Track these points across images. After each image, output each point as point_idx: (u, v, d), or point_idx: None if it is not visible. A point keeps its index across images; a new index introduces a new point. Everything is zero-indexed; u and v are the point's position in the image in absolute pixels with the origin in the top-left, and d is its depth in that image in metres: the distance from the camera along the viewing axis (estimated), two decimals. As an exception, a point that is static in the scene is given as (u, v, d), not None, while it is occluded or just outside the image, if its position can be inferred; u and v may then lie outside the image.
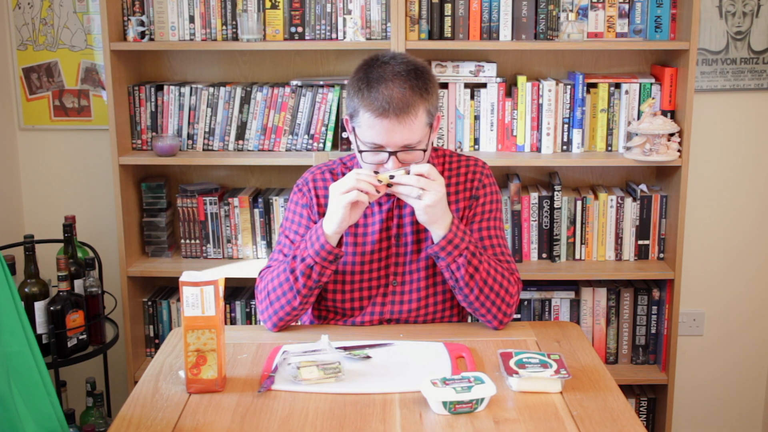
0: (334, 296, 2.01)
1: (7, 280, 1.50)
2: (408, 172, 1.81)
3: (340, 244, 1.89)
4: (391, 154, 1.83)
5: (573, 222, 2.85)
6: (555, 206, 2.82)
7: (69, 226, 2.67)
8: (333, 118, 2.80)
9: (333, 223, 1.83)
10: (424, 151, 1.88)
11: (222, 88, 2.83)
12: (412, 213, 1.98)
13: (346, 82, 2.78)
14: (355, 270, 1.99)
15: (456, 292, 1.93)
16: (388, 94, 1.79)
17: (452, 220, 1.85)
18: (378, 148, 1.84)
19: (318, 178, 2.03)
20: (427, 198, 1.79)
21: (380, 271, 2.00)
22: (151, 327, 2.96)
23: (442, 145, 2.81)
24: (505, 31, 2.75)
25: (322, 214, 1.98)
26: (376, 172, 1.82)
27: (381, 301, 2.00)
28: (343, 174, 2.02)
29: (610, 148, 2.84)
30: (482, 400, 1.57)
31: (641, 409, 2.95)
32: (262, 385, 1.66)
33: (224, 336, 1.68)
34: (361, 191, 1.79)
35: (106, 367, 2.83)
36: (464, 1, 2.74)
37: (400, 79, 1.82)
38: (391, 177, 1.81)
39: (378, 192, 1.81)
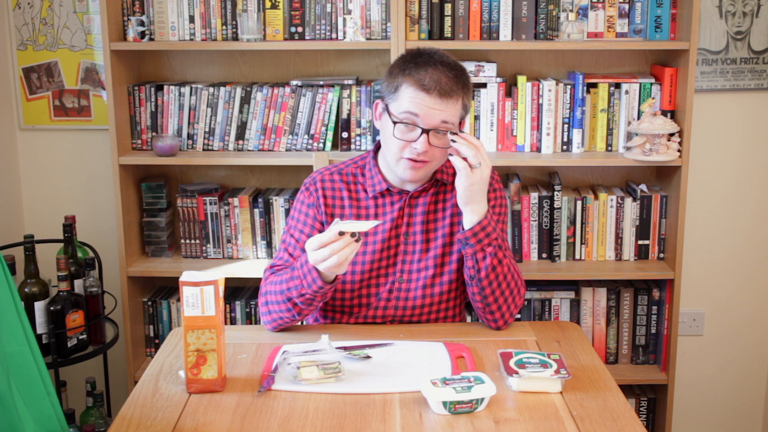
0: (342, 295, 2.02)
1: (7, 280, 1.50)
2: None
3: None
4: (423, 131, 1.85)
5: (573, 222, 2.85)
6: (555, 206, 2.82)
7: (69, 226, 2.67)
8: (333, 118, 2.80)
9: (328, 273, 1.81)
10: (454, 134, 1.89)
11: (222, 88, 2.83)
12: (424, 212, 2.00)
13: (346, 82, 2.80)
14: (365, 269, 2.00)
15: (473, 284, 1.93)
16: (436, 75, 1.85)
17: (488, 209, 1.88)
18: (412, 123, 1.85)
19: (326, 178, 2.03)
20: (483, 169, 1.83)
21: (388, 269, 2.01)
22: (151, 327, 2.96)
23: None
24: (505, 31, 2.75)
25: (329, 215, 1.99)
26: (341, 233, 1.73)
27: (386, 297, 2.01)
28: (353, 176, 2.03)
29: (610, 148, 2.84)
30: (482, 400, 1.57)
31: (641, 409, 2.95)
32: (262, 385, 1.67)
33: (224, 336, 1.68)
34: (340, 252, 1.72)
35: (106, 367, 2.83)
36: (464, 1, 2.74)
37: (446, 66, 1.88)
38: (453, 141, 1.83)
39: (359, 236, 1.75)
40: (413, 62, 1.88)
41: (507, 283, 1.92)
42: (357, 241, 1.73)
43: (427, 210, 2.01)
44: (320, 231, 1.99)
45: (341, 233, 1.71)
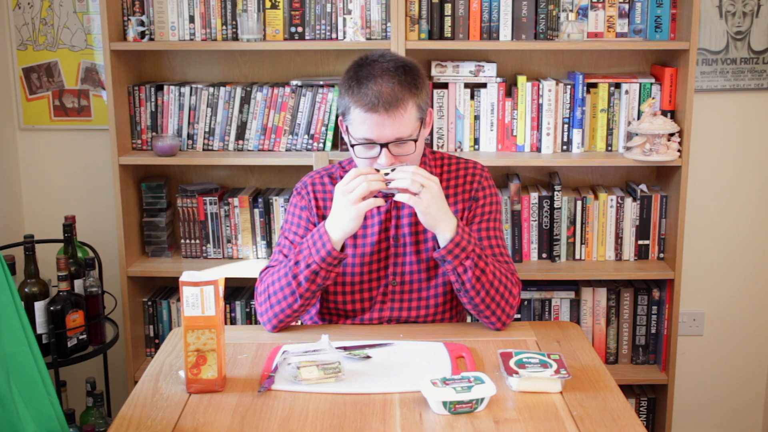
0: (335, 298, 2.02)
1: (7, 280, 1.50)
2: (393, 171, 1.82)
3: (343, 247, 1.89)
4: (382, 146, 1.84)
5: (573, 222, 2.85)
6: (555, 206, 2.82)
7: (69, 226, 2.67)
8: (333, 118, 2.80)
9: (341, 229, 1.82)
10: (416, 141, 1.88)
11: (222, 88, 2.83)
12: (410, 214, 1.99)
13: (345, 82, 2.80)
14: (355, 272, 2.00)
15: (461, 296, 1.92)
16: (377, 89, 1.81)
17: (457, 223, 1.85)
18: (369, 143, 1.86)
19: (317, 182, 2.05)
20: (426, 192, 1.79)
21: (380, 272, 2.01)
22: (151, 327, 2.96)
23: (442, 146, 2.82)
24: (505, 31, 2.75)
25: (321, 217, 2.00)
26: (377, 170, 1.83)
27: (381, 299, 2.01)
28: (341, 178, 2.03)
29: (610, 148, 2.84)
30: (482, 400, 1.57)
31: (641, 409, 2.95)
32: (262, 385, 1.67)
33: (224, 336, 1.68)
34: (372, 191, 1.80)
35: (106, 367, 2.83)
36: (464, 1, 2.74)
37: (388, 74, 1.84)
38: (387, 174, 1.82)
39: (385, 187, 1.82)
40: (356, 78, 1.86)
41: (495, 289, 1.90)
42: (387, 184, 1.80)
43: (414, 211, 2.00)
44: None
45: (377, 170, 1.80)
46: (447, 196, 2.01)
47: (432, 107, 2.79)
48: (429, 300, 2.02)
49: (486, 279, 1.88)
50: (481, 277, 1.87)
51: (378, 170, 1.81)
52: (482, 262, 1.87)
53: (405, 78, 1.85)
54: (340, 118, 1.96)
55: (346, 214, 1.81)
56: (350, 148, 1.92)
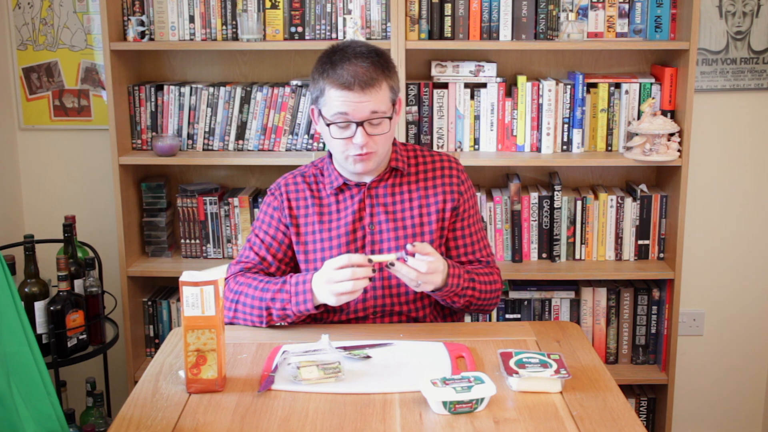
0: None
1: (7, 280, 1.50)
2: (404, 260, 1.84)
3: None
4: (358, 125, 1.88)
5: (573, 222, 2.85)
6: (555, 206, 2.82)
7: (69, 226, 2.67)
8: (333, 118, 2.80)
9: (324, 300, 1.86)
10: (390, 119, 1.92)
11: (222, 88, 2.83)
12: (386, 204, 2.03)
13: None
14: None
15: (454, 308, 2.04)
16: (352, 69, 1.88)
17: (447, 272, 1.91)
18: (345, 120, 1.89)
19: (290, 182, 2.08)
20: (424, 288, 1.89)
21: None
22: (151, 327, 2.96)
23: (442, 146, 2.81)
24: (505, 31, 2.75)
25: (293, 217, 2.04)
26: (370, 260, 1.83)
27: (365, 288, 2.01)
28: (314, 176, 2.07)
29: (610, 148, 2.84)
30: (482, 400, 1.57)
31: (641, 409, 2.95)
32: (262, 385, 1.67)
33: (224, 336, 1.68)
34: (357, 280, 1.81)
35: (106, 367, 2.83)
36: (464, 1, 2.74)
37: (361, 57, 1.90)
38: (391, 264, 1.83)
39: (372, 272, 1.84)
40: (329, 62, 1.91)
41: (483, 299, 2.02)
42: (371, 280, 1.82)
43: (390, 200, 2.03)
44: (284, 233, 2.05)
45: (370, 260, 1.81)
46: (426, 188, 2.04)
47: (431, 104, 2.80)
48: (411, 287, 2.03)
49: (475, 296, 1.99)
50: (471, 298, 1.99)
51: (371, 260, 1.82)
52: (470, 290, 1.98)
53: (378, 60, 1.91)
54: (311, 107, 1.99)
55: (327, 298, 1.85)
56: (324, 131, 1.95)
